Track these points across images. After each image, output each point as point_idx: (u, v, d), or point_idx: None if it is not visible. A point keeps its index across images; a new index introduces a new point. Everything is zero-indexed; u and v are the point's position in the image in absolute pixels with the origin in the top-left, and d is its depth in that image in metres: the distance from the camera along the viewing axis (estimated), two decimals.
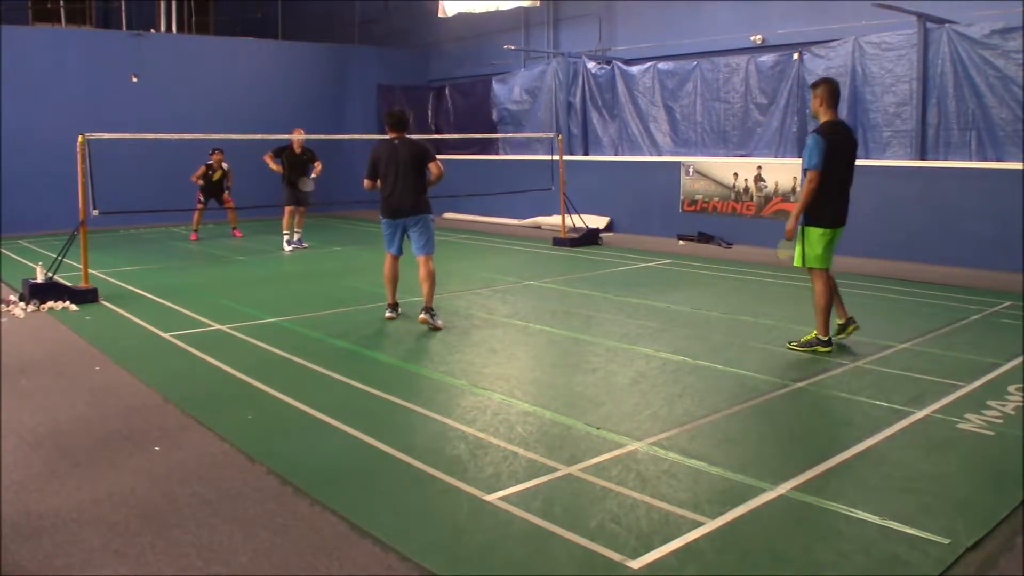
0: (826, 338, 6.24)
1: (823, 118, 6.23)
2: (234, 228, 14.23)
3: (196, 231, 13.97)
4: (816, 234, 6.20)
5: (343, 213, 18.47)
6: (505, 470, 4.05)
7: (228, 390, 5.50)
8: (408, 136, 7.37)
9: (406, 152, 7.18)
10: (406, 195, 7.18)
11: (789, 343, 6.43)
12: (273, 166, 12.37)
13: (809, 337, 6.34)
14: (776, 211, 12.60)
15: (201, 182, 13.65)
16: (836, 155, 6.10)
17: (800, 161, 6.64)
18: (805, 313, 6.71)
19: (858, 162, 11.97)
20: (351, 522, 3.51)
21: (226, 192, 13.89)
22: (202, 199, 13.70)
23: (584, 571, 3.12)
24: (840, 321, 6.53)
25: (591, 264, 11.09)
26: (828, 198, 6.14)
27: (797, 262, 6.32)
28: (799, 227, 6.24)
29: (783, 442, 4.55)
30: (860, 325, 6.51)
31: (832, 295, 6.32)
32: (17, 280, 8.91)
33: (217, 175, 13.66)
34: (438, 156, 7.47)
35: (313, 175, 12.53)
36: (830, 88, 6.23)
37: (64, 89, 15.39)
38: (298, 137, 12.26)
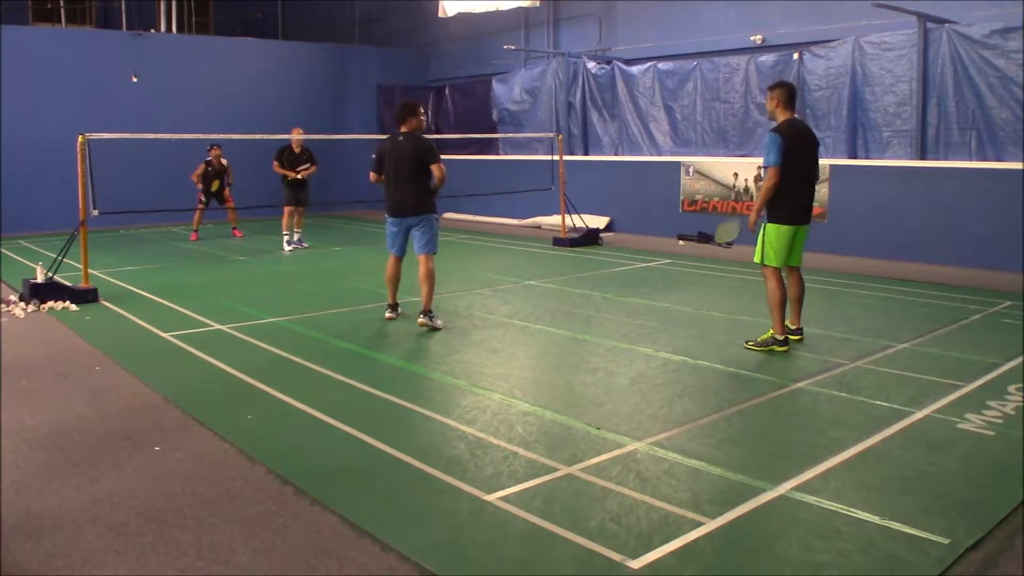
0: (782, 337, 6.26)
1: (780, 118, 6.29)
2: (234, 228, 14.22)
3: (196, 231, 13.94)
4: (775, 231, 6.23)
5: (343, 213, 18.47)
6: (505, 470, 4.05)
7: (228, 390, 5.50)
8: (416, 133, 7.13)
9: (409, 150, 7.02)
10: (408, 195, 7.06)
11: (746, 342, 6.44)
12: (281, 171, 12.35)
13: (765, 337, 6.35)
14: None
15: (200, 184, 13.57)
16: (795, 152, 6.14)
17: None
18: (804, 313, 6.71)
19: (859, 162, 11.96)
20: (351, 522, 3.51)
21: (227, 190, 13.80)
22: (203, 199, 13.63)
23: (584, 571, 3.12)
24: (792, 326, 6.55)
25: (591, 264, 11.09)
26: (790, 196, 6.18)
27: (756, 258, 6.35)
28: (762, 223, 6.29)
29: (783, 442, 4.54)
30: (849, 338, 6.51)
31: (786, 295, 6.30)
32: (17, 280, 8.91)
33: (217, 172, 13.54)
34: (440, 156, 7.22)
35: (302, 175, 12.44)
36: (787, 90, 6.36)
37: (64, 89, 15.38)
38: (296, 137, 12.26)
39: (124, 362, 6.12)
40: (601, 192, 14.95)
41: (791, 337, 6.50)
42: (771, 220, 6.25)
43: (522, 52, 17.59)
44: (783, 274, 6.46)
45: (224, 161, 13.63)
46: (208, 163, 13.55)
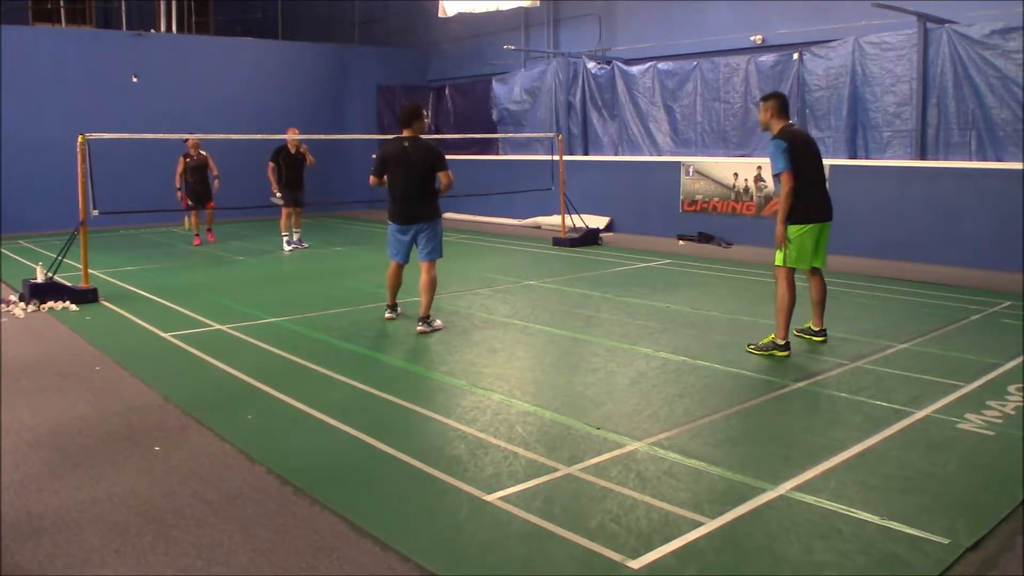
0: (783, 342, 6.19)
1: (776, 127, 6.29)
2: (209, 229, 13.66)
3: (198, 234, 13.53)
4: (795, 231, 6.20)
5: (343, 213, 18.47)
6: (505, 470, 4.05)
7: (228, 390, 5.50)
8: (421, 137, 7.03)
9: (417, 156, 6.88)
10: (417, 202, 6.95)
11: (748, 345, 6.41)
12: (272, 180, 12.27)
13: (767, 340, 6.30)
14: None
15: (180, 184, 13.12)
16: (800, 154, 6.15)
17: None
18: (804, 314, 6.71)
19: (859, 162, 11.99)
20: (351, 522, 3.51)
21: (216, 183, 13.16)
22: (190, 201, 13.13)
23: (584, 571, 3.12)
24: (814, 327, 6.57)
25: (591, 264, 11.09)
26: (802, 196, 6.16)
27: (778, 261, 6.32)
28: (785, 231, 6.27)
29: (783, 442, 4.54)
30: (849, 338, 6.50)
31: (794, 301, 6.24)
32: (17, 280, 8.91)
33: (198, 164, 12.98)
34: None
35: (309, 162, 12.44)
36: (780, 100, 6.38)
37: (64, 89, 15.39)
38: (293, 137, 12.23)
39: (124, 362, 6.12)
40: (601, 192, 14.95)
41: (814, 339, 6.54)
42: (792, 222, 6.23)
43: (522, 52, 17.59)
44: (803, 276, 6.45)
45: (203, 152, 13.12)
46: (187, 156, 13.06)
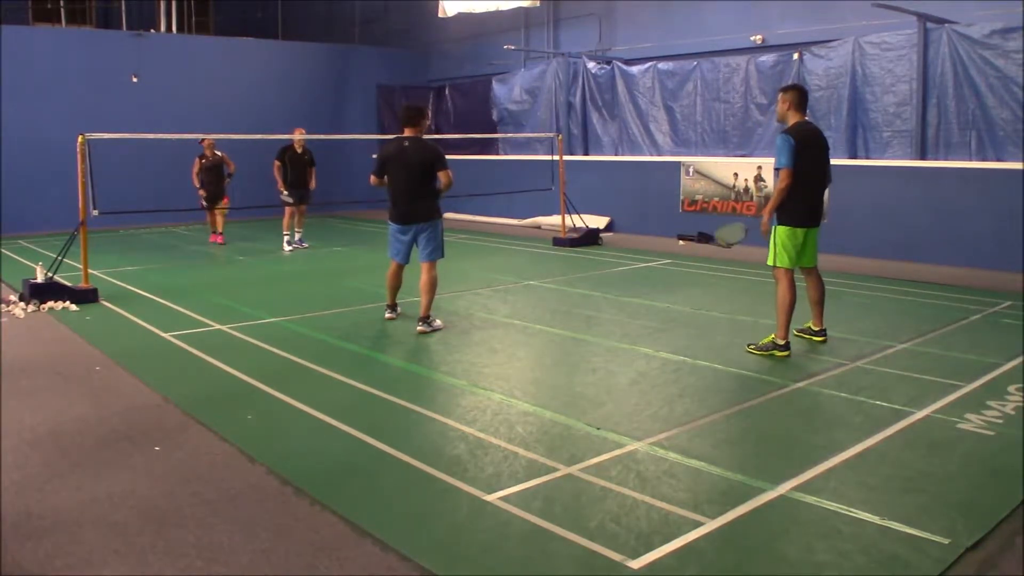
0: (783, 342, 6.17)
1: (791, 121, 6.26)
2: (219, 232, 13.41)
3: (215, 231, 13.34)
4: (786, 232, 6.20)
5: (343, 213, 18.47)
6: (505, 470, 4.05)
7: (228, 390, 5.50)
8: (421, 137, 7.03)
9: (416, 155, 6.88)
10: (417, 202, 6.94)
11: (747, 345, 6.40)
12: (278, 179, 12.27)
13: (766, 340, 6.29)
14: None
15: (199, 183, 13.06)
16: (806, 154, 6.11)
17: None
18: (803, 314, 6.70)
19: (859, 162, 11.96)
20: (351, 522, 3.51)
21: (227, 179, 13.05)
22: (205, 201, 13.05)
23: (584, 571, 3.12)
24: (814, 327, 6.57)
25: (591, 264, 11.09)
26: (798, 198, 6.14)
27: (769, 261, 6.32)
28: (771, 226, 6.26)
29: (783, 442, 4.54)
30: (849, 338, 6.49)
31: (795, 300, 6.22)
32: (17, 280, 8.91)
33: (214, 164, 12.89)
34: None
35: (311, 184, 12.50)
36: (799, 93, 6.33)
37: (64, 89, 15.39)
38: (299, 137, 12.24)
39: (124, 362, 6.12)
40: (601, 192, 14.95)
41: (814, 339, 6.53)
42: (781, 222, 6.22)
43: (522, 52, 17.59)
44: (802, 277, 6.45)
45: (218, 152, 13.06)
46: (202, 156, 13.03)
